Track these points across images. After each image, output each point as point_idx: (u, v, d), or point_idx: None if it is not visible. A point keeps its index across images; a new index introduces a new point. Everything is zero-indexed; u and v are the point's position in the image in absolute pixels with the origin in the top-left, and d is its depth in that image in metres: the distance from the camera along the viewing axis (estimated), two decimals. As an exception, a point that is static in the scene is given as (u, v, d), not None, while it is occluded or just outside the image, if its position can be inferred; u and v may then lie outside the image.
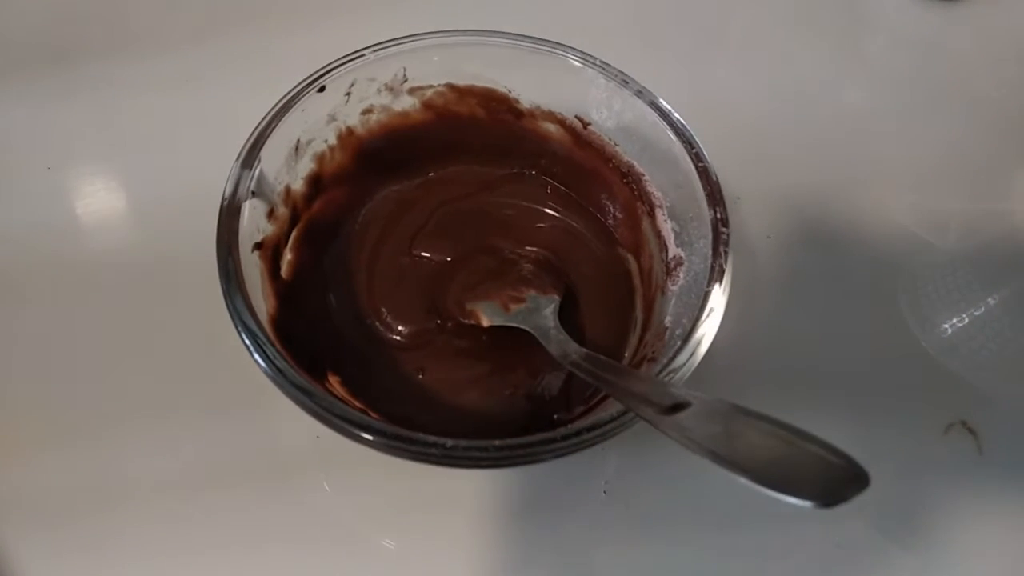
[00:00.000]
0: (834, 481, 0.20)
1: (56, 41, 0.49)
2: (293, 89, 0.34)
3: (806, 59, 0.52)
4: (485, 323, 0.34)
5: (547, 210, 0.39)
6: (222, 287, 0.29)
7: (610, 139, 0.37)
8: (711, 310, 0.29)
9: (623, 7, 0.54)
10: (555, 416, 0.33)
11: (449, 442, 0.26)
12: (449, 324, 0.35)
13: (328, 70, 0.34)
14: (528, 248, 0.38)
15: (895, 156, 0.47)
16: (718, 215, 0.31)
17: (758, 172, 0.44)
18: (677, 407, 0.25)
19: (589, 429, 0.26)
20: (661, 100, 0.35)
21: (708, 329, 0.29)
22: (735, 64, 0.52)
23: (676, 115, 0.34)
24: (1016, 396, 0.38)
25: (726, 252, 0.30)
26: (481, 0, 0.51)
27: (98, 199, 0.43)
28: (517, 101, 0.38)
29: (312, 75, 0.34)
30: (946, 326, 0.41)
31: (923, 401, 0.38)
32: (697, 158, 0.33)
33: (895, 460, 0.36)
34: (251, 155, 0.32)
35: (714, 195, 0.32)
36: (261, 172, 0.32)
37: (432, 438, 0.26)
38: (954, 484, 0.35)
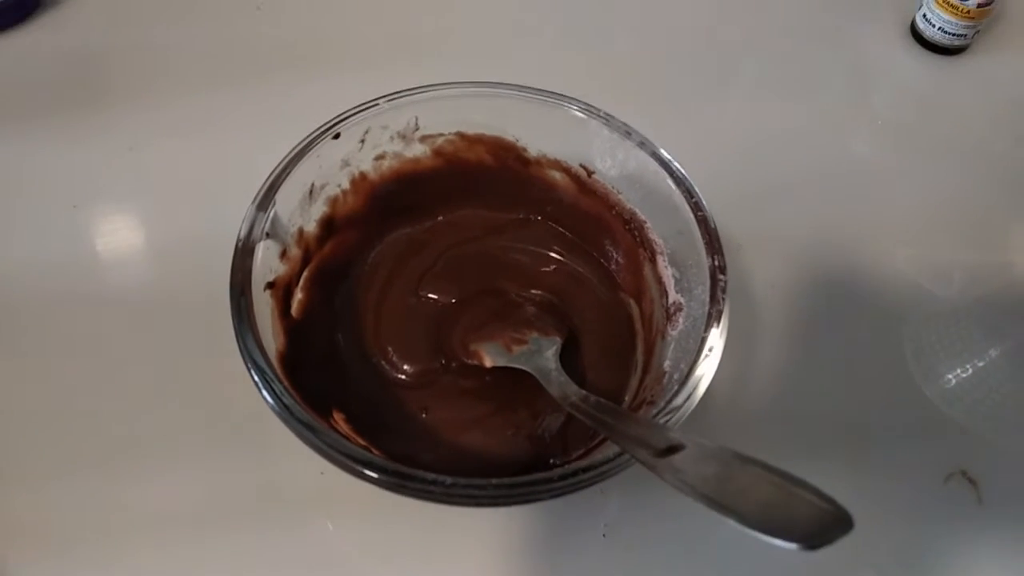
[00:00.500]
0: (819, 524, 0.20)
1: (84, 84, 0.51)
2: (309, 135, 0.35)
3: (810, 111, 0.53)
4: (488, 364, 0.34)
5: (552, 254, 0.40)
6: (234, 325, 0.30)
7: (613, 187, 0.38)
8: (708, 353, 0.30)
9: (629, 58, 0.55)
10: (551, 460, 0.34)
11: (448, 480, 0.27)
12: (453, 364, 0.36)
13: (343, 118, 0.36)
14: (532, 291, 0.39)
15: (898, 206, 0.48)
16: (716, 263, 0.32)
17: (761, 221, 0.45)
18: (672, 449, 0.25)
19: (585, 470, 0.27)
20: (663, 151, 0.36)
21: (705, 372, 0.30)
22: (739, 115, 0.53)
23: (677, 165, 0.35)
24: (1017, 447, 0.38)
25: (724, 298, 0.31)
26: (492, 53, 0.53)
27: (119, 237, 0.44)
28: (525, 149, 0.39)
29: (328, 122, 0.35)
30: (949, 376, 0.41)
31: (924, 450, 0.38)
32: (696, 207, 0.34)
33: (895, 508, 0.36)
34: (267, 198, 0.33)
35: (712, 243, 0.33)
36: (276, 214, 0.33)
37: (432, 476, 0.27)
38: (954, 533, 0.35)
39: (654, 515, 0.35)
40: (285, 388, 0.29)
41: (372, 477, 0.27)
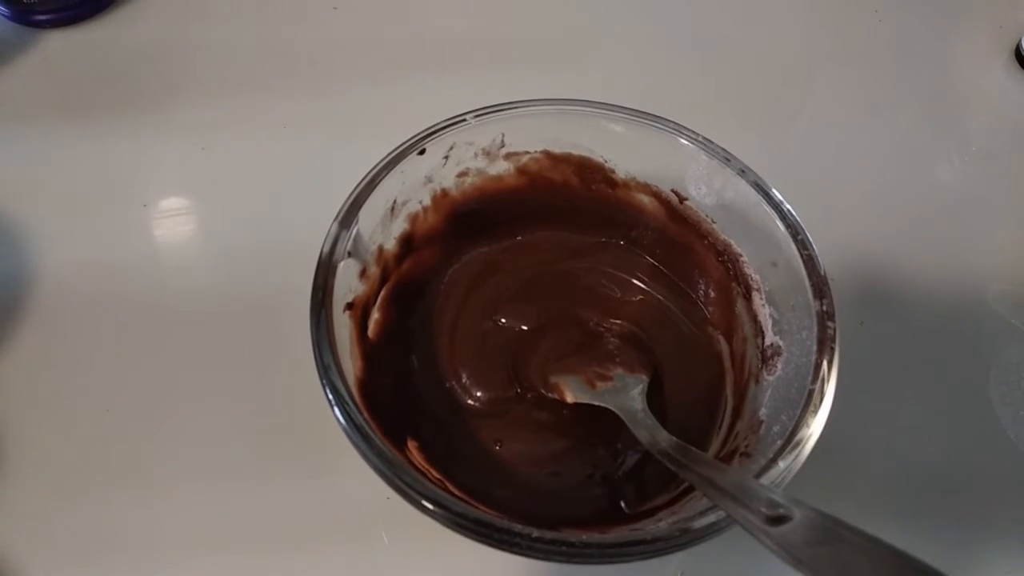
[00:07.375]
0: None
1: (159, 80, 0.51)
2: (394, 150, 0.33)
3: (900, 136, 0.51)
4: (569, 399, 0.33)
5: (635, 282, 0.38)
6: (313, 347, 0.29)
7: (707, 216, 0.36)
8: (817, 410, 0.28)
9: (710, 80, 0.53)
10: (624, 508, 0.32)
11: (534, 532, 0.25)
12: (529, 395, 0.34)
13: (429, 133, 0.34)
14: (613, 321, 0.37)
15: (990, 239, 0.46)
16: (824, 307, 0.30)
17: (850, 253, 0.43)
18: (781, 519, 0.23)
19: (682, 533, 0.25)
20: (765, 181, 0.34)
21: (814, 428, 0.27)
22: (827, 141, 0.50)
23: (780, 197, 0.33)
24: None
25: (833, 348, 0.29)
26: (580, 69, 0.51)
27: (187, 238, 0.44)
28: (613, 171, 0.37)
29: (413, 137, 0.34)
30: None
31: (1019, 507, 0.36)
32: (803, 245, 0.31)
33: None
34: (350, 215, 0.32)
35: (820, 286, 0.30)
36: (358, 232, 0.32)
37: (518, 527, 0.25)
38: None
39: (735, 559, 0.33)
40: (365, 419, 0.27)
41: (449, 521, 0.26)
